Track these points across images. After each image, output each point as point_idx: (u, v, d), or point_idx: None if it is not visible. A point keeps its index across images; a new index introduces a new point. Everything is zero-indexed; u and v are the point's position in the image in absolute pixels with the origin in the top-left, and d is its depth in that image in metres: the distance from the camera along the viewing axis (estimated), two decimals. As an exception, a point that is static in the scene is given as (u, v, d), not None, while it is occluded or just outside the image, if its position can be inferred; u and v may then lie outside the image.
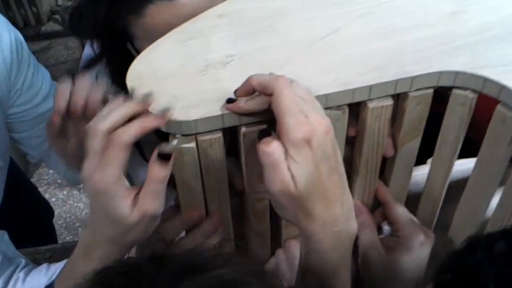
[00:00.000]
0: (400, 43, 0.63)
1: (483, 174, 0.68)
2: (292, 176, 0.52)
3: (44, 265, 0.77)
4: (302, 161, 0.52)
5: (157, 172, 0.54)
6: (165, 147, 0.55)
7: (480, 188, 0.69)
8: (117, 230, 0.56)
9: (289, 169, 0.52)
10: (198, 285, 0.41)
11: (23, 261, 0.81)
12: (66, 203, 2.18)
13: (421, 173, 0.79)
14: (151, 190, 0.55)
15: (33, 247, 1.18)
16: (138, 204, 0.55)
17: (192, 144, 0.57)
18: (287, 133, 0.51)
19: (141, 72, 0.60)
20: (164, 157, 0.54)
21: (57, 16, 2.11)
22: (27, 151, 1.04)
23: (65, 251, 1.14)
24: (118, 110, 0.56)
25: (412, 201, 0.77)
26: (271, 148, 0.52)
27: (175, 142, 0.57)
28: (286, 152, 0.52)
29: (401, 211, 0.74)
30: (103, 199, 0.55)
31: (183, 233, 0.66)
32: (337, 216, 0.55)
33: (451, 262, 0.51)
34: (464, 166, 0.80)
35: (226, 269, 0.43)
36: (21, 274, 0.76)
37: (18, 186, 1.20)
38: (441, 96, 0.71)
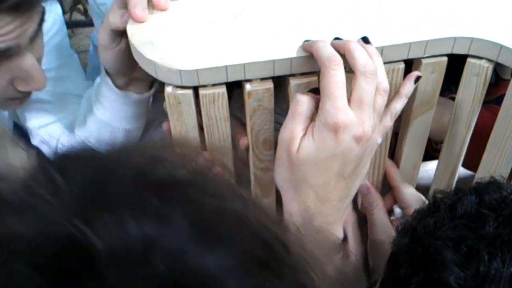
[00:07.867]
0: (416, 7, 0.60)
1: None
2: (300, 143, 0.51)
3: None
4: (318, 141, 0.50)
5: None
6: None
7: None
8: None
9: (303, 136, 0.51)
10: None
11: None
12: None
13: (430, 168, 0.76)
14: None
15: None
16: None
17: (189, 91, 0.54)
18: (322, 111, 0.50)
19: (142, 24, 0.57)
20: None
21: (79, 6, 2.12)
22: None
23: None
24: None
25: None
26: (304, 99, 0.51)
27: (170, 88, 0.54)
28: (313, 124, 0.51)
29: (409, 192, 0.69)
30: None
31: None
32: (315, 213, 0.54)
33: (411, 222, 0.43)
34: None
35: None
36: None
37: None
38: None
